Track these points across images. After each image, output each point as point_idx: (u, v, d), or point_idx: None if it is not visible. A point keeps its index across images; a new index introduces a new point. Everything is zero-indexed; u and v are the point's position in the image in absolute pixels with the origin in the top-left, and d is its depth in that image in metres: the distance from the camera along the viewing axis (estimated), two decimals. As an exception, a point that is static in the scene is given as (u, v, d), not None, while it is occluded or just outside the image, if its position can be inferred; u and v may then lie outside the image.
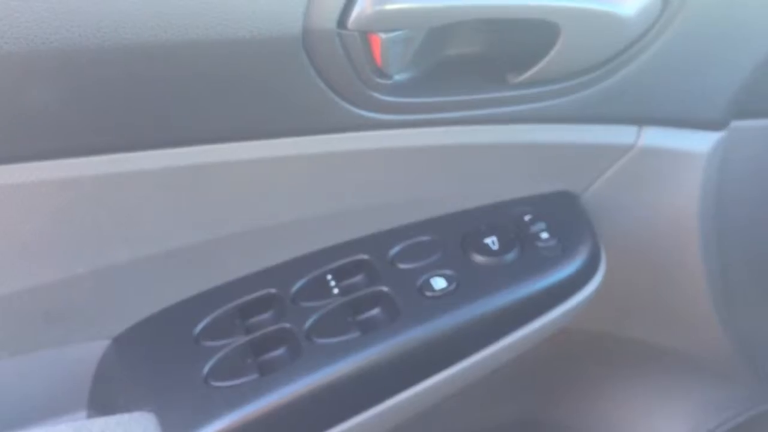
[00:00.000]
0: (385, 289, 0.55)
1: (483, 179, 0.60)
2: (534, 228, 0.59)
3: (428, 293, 0.54)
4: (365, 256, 0.57)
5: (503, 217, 0.60)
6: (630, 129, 0.60)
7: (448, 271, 0.56)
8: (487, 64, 0.54)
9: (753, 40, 0.57)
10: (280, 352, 0.52)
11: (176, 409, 0.49)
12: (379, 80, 0.50)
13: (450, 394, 0.57)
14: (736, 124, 0.61)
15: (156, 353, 0.55)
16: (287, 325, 0.53)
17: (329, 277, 0.57)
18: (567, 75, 0.54)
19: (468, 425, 0.79)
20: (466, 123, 0.55)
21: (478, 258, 0.57)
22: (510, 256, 0.57)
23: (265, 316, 0.55)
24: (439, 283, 0.55)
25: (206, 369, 0.51)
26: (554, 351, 0.76)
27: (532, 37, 0.52)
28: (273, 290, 0.56)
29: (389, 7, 0.47)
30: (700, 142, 0.60)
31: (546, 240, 0.58)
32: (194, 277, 0.57)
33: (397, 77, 0.52)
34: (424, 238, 0.58)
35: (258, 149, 0.52)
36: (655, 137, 0.60)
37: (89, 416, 0.58)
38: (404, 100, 0.52)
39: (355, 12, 0.46)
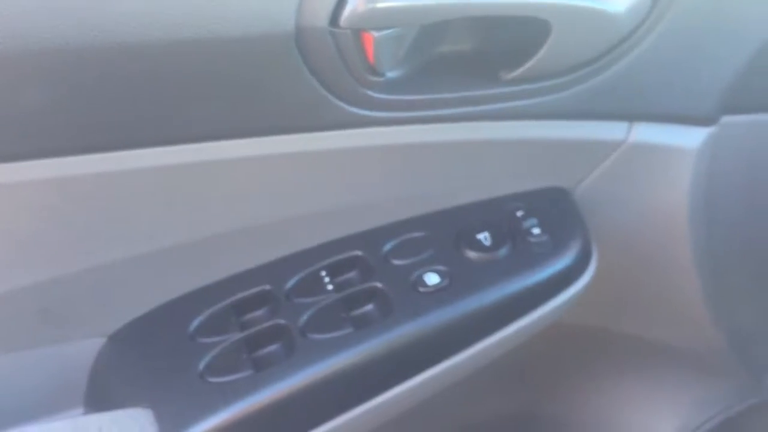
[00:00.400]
0: (378, 284, 0.55)
1: (476, 175, 0.61)
2: (526, 224, 0.59)
3: (421, 289, 0.55)
4: (359, 253, 0.58)
5: (496, 213, 0.60)
6: (621, 125, 0.60)
7: (441, 267, 0.56)
8: (479, 61, 0.55)
9: (743, 35, 0.58)
10: (274, 347, 0.53)
11: (172, 404, 0.50)
12: (371, 78, 0.51)
13: (444, 388, 0.57)
14: (726, 119, 0.62)
15: (151, 350, 0.55)
16: (282, 321, 0.54)
17: (323, 273, 0.57)
18: (558, 72, 0.54)
19: (464, 419, 0.79)
20: (459, 120, 0.56)
21: (471, 254, 0.57)
22: (502, 252, 0.57)
23: (260, 312, 0.56)
24: (432, 278, 0.55)
25: (202, 365, 0.52)
26: (550, 345, 0.76)
27: (524, 34, 0.53)
28: (268, 287, 0.56)
29: (381, 5, 0.47)
30: (691, 138, 0.61)
31: (538, 235, 0.59)
32: (189, 275, 0.57)
33: (390, 75, 0.52)
34: (418, 234, 0.59)
35: (252, 147, 0.52)
36: (645, 133, 0.60)
37: (86, 414, 0.58)
38: (397, 98, 0.53)
39: (348, 10, 0.46)
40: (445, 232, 0.59)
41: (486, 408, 0.81)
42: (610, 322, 0.75)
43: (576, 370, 0.81)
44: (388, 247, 0.58)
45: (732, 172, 0.65)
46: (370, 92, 0.52)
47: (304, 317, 0.54)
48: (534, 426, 0.84)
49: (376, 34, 0.49)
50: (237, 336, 0.54)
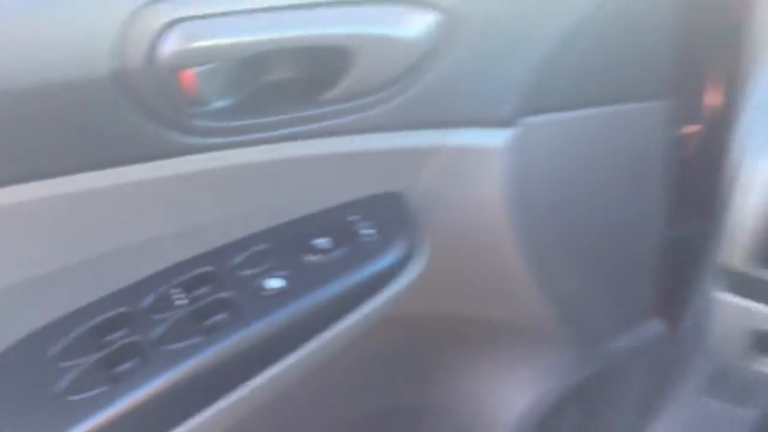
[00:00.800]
0: (227, 294, 0.61)
1: (312, 188, 0.67)
2: (360, 226, 0.66)
3: (265, 293, 0.61)
4: (209, 268, 0.63)
5: (333, 220, 0.67)
6: (436, 132, 0.69)
7: (283, 272, 0.62)
8: (297, 86, 0.62)
9: (528, 48, 0.67)
10: (131, 363, 0.57)
11: (34, 425, 0.53)
12: (198, 109, 0.57)
13: (295, 383, 0.63)
14: (527, 120, 0.71)
15: (16, 379, 0.58)
16: (137, 338, 0.58)
17: (177, 290, 0.62)
18: (367, 91, 0.62)
19: (332, 417, 0.85)
20: (286, 139, 0.62)
21: (310, 258, 0.63)
22: (337, 253, 0.64)
23: (119, 333, 0.60)
24: (274, 283, 0.61)
25: (62, 386, 0.55)
26: (409, 337, 0.83)
27: (332, 60, 0.60)
28: (125, 309, 0.61)
29: (195, 45, 0.53)
30: (496, 139, 0.70)
31: (369, 235, 0.66)
32: (49, 305, 0.60)
33: (216, 104, 0.58)
34: (263, 246, 0.65)
35: (95, 180, 0.57)
36: (457, 138, 0.69)
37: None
38: (225, 124, 0.59)
39: (164, 50, 0.52)
40: (287, 241, 0.65)
41: (356, 404, 0.87)
42: (456, 309, 0.82)
43: (438, 357, 0.88)
44: (236, 260, 0.64)
45: (540, 166, 0.75)
46: (198, 122, 0.57)
47: (158, 331, 0.58)
48: (404, 416, 0.90)
49: (196, 68, 0.55)
50: (96, 356, 0.57)
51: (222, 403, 0.57)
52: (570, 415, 0.93)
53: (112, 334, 0.60)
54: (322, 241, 0.65)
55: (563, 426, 0.93)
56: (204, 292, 0.62)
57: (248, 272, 0.63)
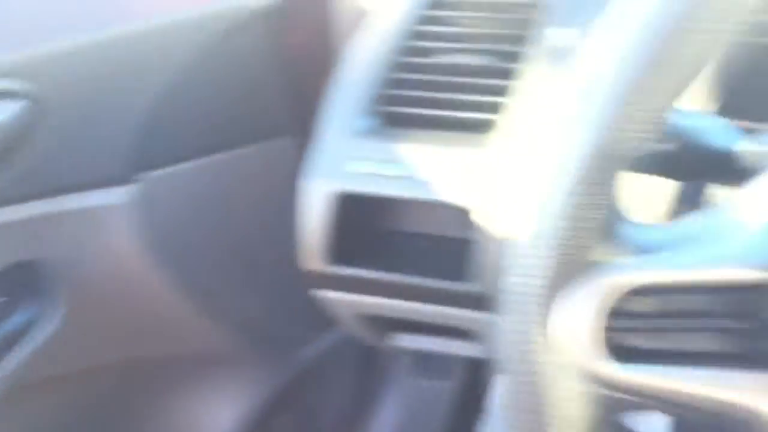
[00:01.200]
0: None
1: None
2: None
3: None
4: None
5: None
6: (55, 200, 0.75)
7: None
8: None
9: (124, 112, 0.76)
10: None
11: None
12: None
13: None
14: (149, 174, 0.79)
15: None
16: None
17: None
18: None
19: None
20: None
21: None
22: None
23: None
24: None
25: None
26: (100, 389, 0.89)
27: None
28: None
29: None
30: (114, 197, 0.77)
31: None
32: None
33: None
34: None
35: None
36: (77, 201, 0.76)
37: None
38: None
39: None
40: None
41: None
42: (140, 353, 0.89)
43: (139, 401, 0.94)
44: None
45: (175, 213, 0.82)
46: None
47: None
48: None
49: None
50: None
51: None
52: (280, 424, 1.02)
53: None
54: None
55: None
56: None
57: None
